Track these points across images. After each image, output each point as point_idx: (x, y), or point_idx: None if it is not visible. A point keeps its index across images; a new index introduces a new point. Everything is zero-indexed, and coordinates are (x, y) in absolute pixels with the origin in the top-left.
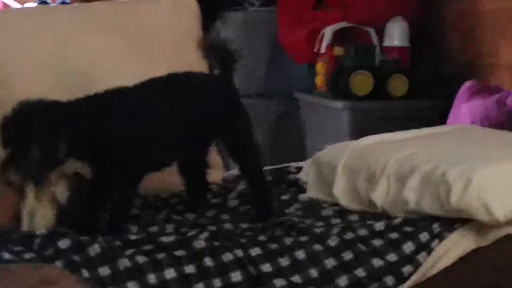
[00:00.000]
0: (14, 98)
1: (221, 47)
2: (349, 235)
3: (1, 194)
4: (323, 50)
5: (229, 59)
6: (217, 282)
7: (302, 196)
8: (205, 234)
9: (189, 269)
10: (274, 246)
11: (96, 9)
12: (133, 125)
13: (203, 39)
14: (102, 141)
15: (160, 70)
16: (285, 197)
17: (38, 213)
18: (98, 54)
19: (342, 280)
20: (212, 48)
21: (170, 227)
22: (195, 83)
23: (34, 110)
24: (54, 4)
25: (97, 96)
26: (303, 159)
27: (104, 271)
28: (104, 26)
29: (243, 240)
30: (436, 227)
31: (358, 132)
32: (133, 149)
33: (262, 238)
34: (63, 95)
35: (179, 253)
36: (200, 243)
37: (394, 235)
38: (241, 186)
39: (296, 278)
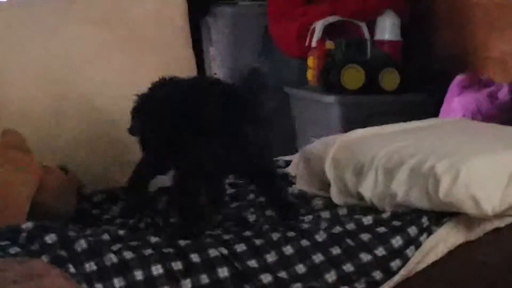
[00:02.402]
0: None
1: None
2: (337, 230)
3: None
4: (314, 44)
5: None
6: (204, 278)
7: (292, 189)
8: None
9: (176, 265)
10: (259, 241)
11: (80, 1)
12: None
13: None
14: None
15: (145, 63)
16: None
17: None
18: (82, 46)
19: (330, 276)
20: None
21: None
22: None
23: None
24: None
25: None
26: (294, 153)
27: (90, 266)
28: (88, 18)
29: (227, 237)
30: (424, 221)
31: (349, 126)
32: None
33: (247, 233)
34: (45, 87)
35: (166, 249)
36: (185, 241)
37: (382, 229)
38: (230, 180)
39: (283, 274)
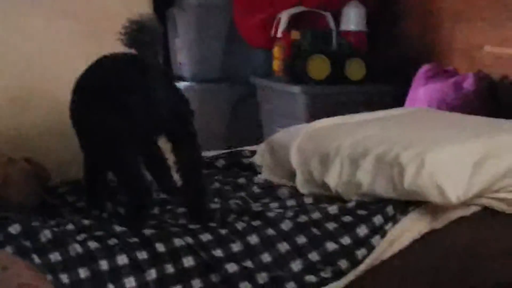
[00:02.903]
0: None
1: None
2: (303, 219)
3: None
4: (279, 34)
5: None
6: (169, 267)
7: (257, 179)
8: (153, 222)
9: (142, 255)
10: (224, 231)
11: None
12: None
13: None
14: None
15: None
16: (241, 180)
17: None
18: (47, 38)
19: (296, 265)
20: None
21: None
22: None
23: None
24: None
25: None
26: (260, 143)
27: (55, 257)
28: (53, 10)
29: (193, 226)
30: (390, 210)
31: (315, 116)
32: None
33: (212, 224)
34: (10, 79)
35: (131, 239)
36: (150, 230)
37: (347, 218)
38: None
39: (249, 263)
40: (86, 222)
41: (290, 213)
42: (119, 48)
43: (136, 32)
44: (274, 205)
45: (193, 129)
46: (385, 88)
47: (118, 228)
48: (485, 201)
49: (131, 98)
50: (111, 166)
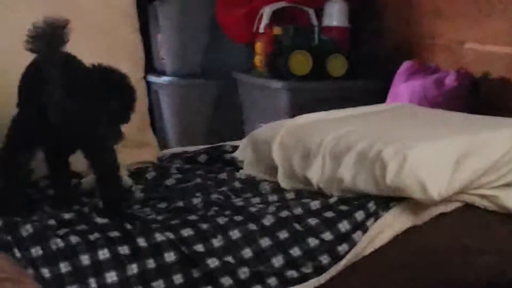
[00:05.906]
0: None
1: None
2: (285, 214)
3: None
4: (262, 30)
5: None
6: (150, 262)
7: (240, 174)
8: (133, 217)
9: (123, 249)
10: (206, 226)
11: None
12: None
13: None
14: None
15: (93, 49)
16: (222, 175)
17: None
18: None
19: (277, 260)
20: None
21: None
22: None
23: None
24: None
25: None
26: (242, 138)
27: (36, 251)
28: (33, 5)
29: (174, 222)
30: (371, 205)
31: (297, 112)
32: None
33: (193, 218)
34: None
35: (113, 233)
36: (131, 226)
37: (329, 214)
38: (176, 165)
39: (230, 258)
40: (67, 216)
41: (272, 208)
42: (99, 43)
43: (35, 38)
44: (256, 200)
45: (97, 133)
46: (366, 84)
47: (100, 220)
48: (466, 198)
49: (31, 102)
50: None
